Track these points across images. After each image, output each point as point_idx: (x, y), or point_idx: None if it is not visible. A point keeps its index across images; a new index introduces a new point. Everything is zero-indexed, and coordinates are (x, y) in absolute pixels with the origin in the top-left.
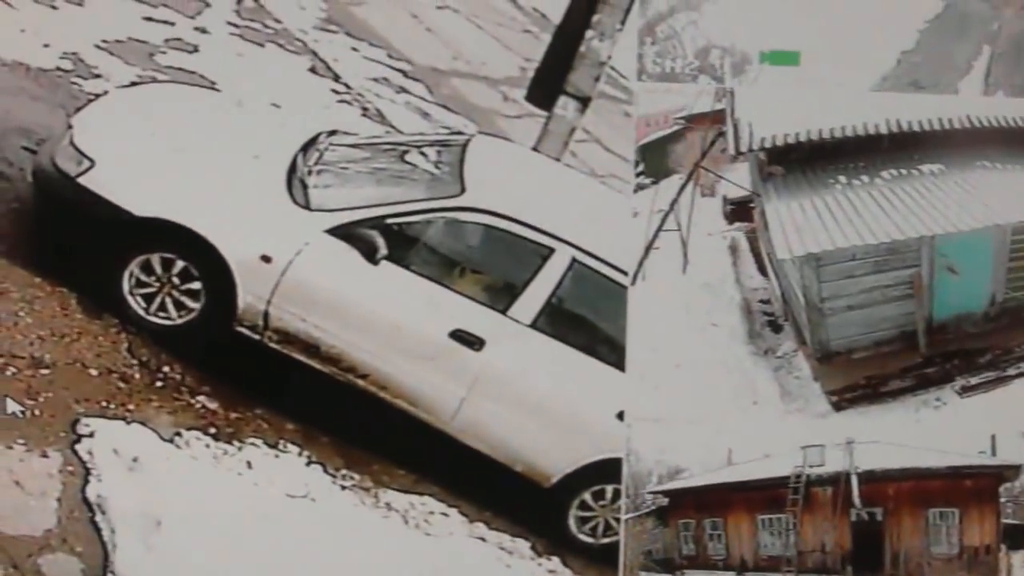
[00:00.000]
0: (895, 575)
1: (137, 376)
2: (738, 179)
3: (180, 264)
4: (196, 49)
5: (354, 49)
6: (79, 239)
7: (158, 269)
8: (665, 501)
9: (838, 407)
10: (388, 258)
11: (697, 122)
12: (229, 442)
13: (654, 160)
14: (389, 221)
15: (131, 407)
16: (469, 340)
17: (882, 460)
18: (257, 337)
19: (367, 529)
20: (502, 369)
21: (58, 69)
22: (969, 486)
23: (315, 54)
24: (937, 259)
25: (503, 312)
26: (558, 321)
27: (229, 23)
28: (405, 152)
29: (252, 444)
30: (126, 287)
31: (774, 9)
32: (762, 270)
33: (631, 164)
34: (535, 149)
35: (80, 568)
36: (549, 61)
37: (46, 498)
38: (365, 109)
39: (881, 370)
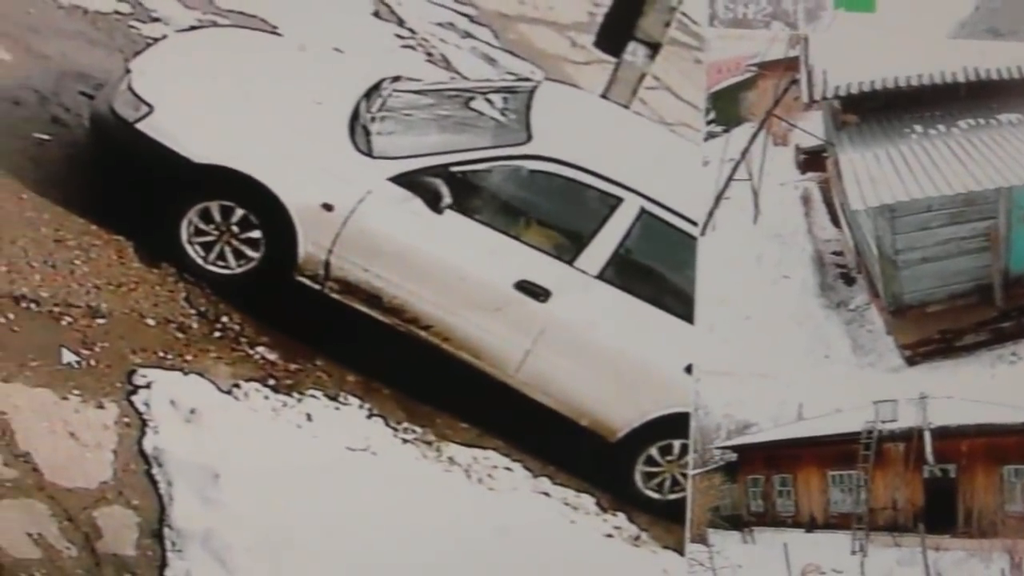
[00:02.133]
0: (968, 533)
1: (195, 326)
2: (811, 127)
3: (239, 212)
4: None
5: None
6: (137, 186)
7: (217, 217)
8: (734, 456)
9: (911, 361)
10: (452, 207)
11: (770, 69)
12: (288, 394)
13: (725, 108)
14: (453, 169)
15: (189, 358)
16: (534, 291)
17: (956, 416)
18: (318, 287)
19: (429, 484)
20: (568, 321)
21: (116, 12)
22: None
23: None
24: (1014, 211)
25: (569, 263)
26: (626, 272)
27: None
28: (470, 99)
29: (312, 396)
30: (184, 235)
31: None
32: (835, 221)
33: (702, 112)
34: (603, 96)
35: (136, 521)
36: (619, 6)
37: (102, 450)
38: (430, 54)
39: (956, 324)
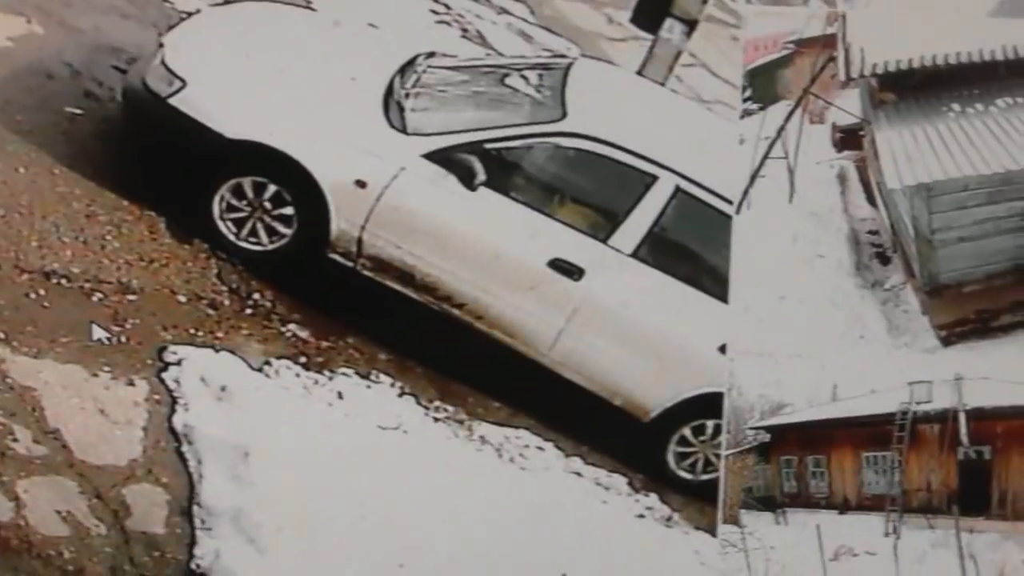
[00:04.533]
0: (1002, 515)
1: (226, 303)
2: (848, 106)
3: (272, 188)
4: None
5: None
6: (169, 162)
7: (249, 193)
8: (767, 437)
9: (947, 342)
10: (486, 184)
11: (807, 46)
12: (320, 372)
13: (762, 85)
14: (488, 146)
15: (220, 335)
16: (568, 269)
17: (992, 397)
18: (350, 264)
19: (460, 463)
20: (602, 299)
21: None
22: None
23: None
24: None
25: (604, 241)
26: (660, 251)
27: None
28: (505, 75)
29: (343, 374)
30: (216, 211)
31: None
32: (871, 200)
33: (738, 89)
34: (640, 73)
35: (165, 499)
36: None
37: (131, 427)
38: (465, 30)
39: (992, 304)
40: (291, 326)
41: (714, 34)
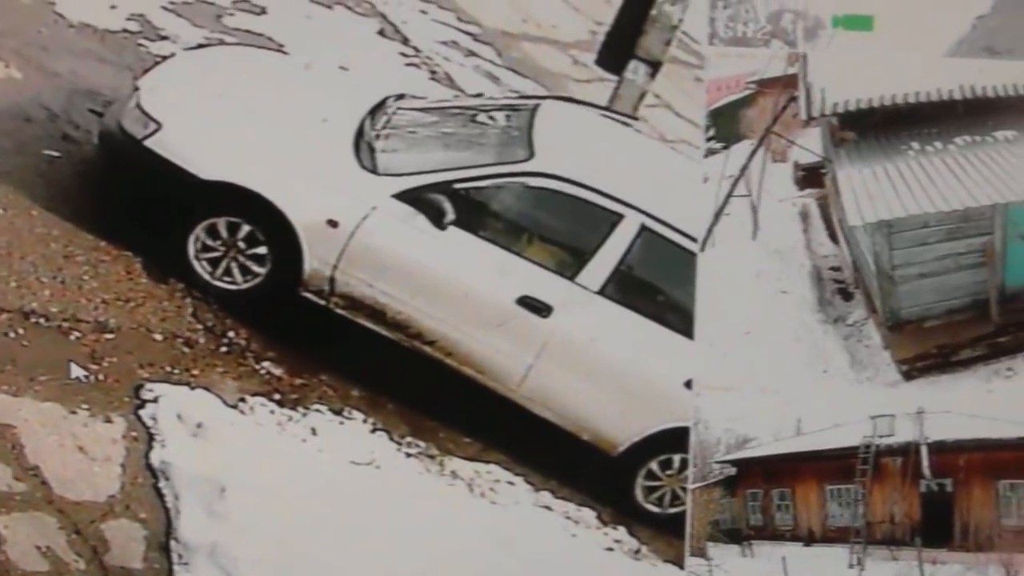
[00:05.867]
0: (964, 547)
1: (202, 341)
2: (810, 144)
3: (246, 228)
4: (264, 11)
5: (423, 12)
6: (145, 203)
7: (224, 233)
8: (733, 471)
9: (909, 376)
10: (456, 223)
11: (769, 87)
12: (294, 408)
13: (725, 125)
14: (457, 186)
15: (195, 372)
16: (537, 307)
17: (953, 430)
18: (323, 302)
19: (432, 497)
20: (570, 336)
21: (125, 31)
22: None
23: (384, 16)
24: (1010, 227)
25: (571, 279)
26: (627, 288)
27: None
28: (474, 116)
29: (317, 411)
30: (192, 251)
31: None
32: (833, 237)
33: (702, 129)
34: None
35: (143, 534)
36: (620, 24)
37: (110, 464)
38: (434, 72)
39: (952, 339)
40: (265, 363)
41: (677, 75)
